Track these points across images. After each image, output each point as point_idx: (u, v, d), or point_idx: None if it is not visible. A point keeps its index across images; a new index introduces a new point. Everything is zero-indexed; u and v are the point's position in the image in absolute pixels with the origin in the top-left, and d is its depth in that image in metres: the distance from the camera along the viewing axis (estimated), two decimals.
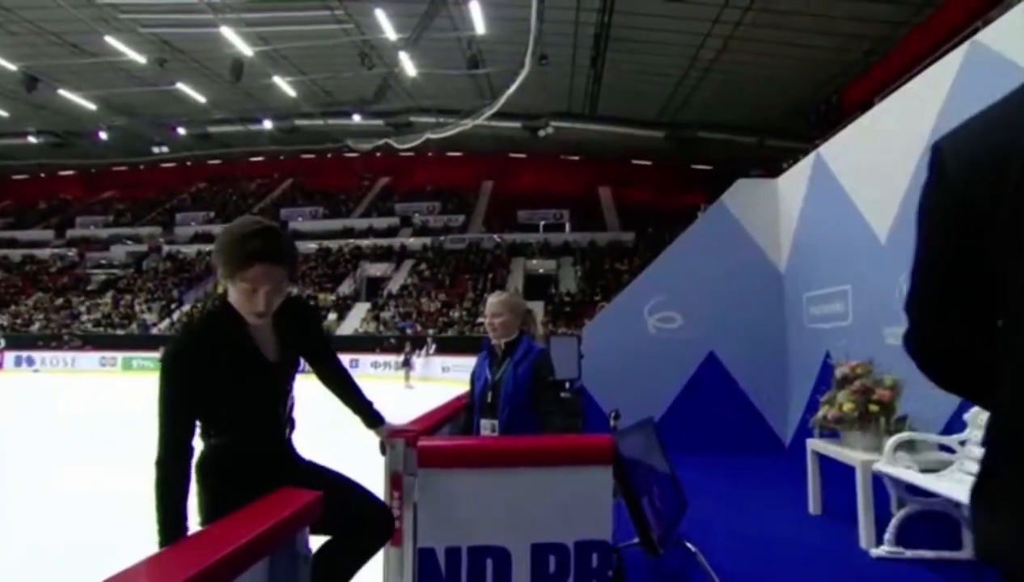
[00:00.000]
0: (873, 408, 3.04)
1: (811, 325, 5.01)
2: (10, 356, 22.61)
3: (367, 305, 23.91)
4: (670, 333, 5.46)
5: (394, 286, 24.99)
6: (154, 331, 24.31)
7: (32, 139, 26.99)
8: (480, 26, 16.26)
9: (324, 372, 1.67)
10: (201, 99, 22.47)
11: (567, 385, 2.41)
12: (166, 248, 30.33)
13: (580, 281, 24.40)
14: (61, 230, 32.37)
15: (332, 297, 24.54)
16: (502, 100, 19.14)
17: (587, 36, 17.00)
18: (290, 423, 1.52)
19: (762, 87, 18.07)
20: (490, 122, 21.74)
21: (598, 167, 29.24)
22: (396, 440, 1.68)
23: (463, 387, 2.80)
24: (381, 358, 19.56)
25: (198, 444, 1.36)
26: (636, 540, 2.07)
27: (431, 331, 21.16)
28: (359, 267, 26.44)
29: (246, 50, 17.95)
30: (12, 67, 19.11)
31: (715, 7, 14.48)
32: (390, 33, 16.84)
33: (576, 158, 29.29)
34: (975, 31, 3.18)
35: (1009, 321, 0.61)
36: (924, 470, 2.73)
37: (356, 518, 1.46)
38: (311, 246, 28.72)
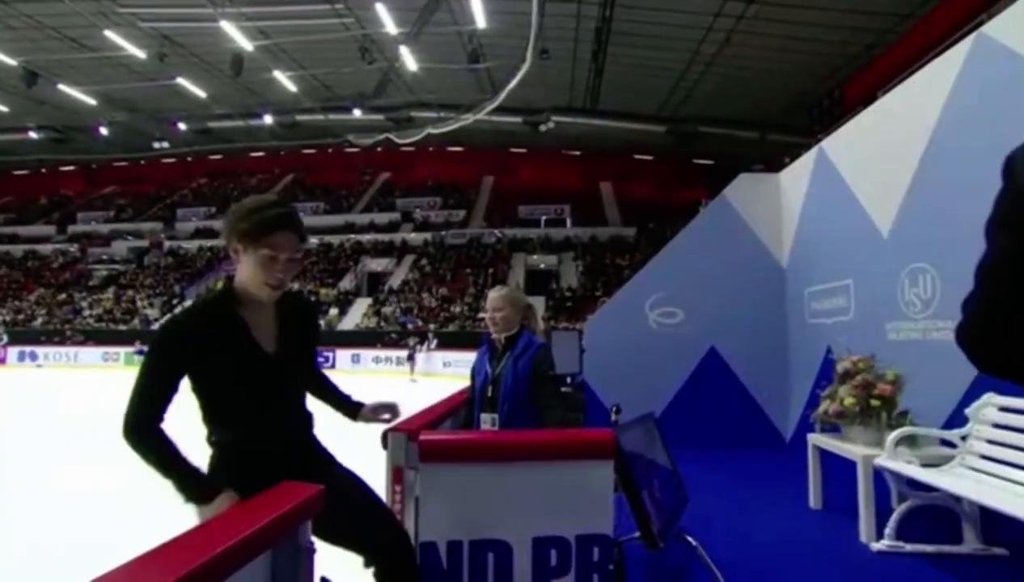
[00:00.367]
0: (874, 403, 3.04)
1: (812, 320, 5.00)
2: (13, 351, 22.69)
3: (368, 300, 23.93)
4: (671, 328, 5.46)
5: (395, 281, 24.99)
6: (156, 327, 24.38)
7: (33, 134, 26.98)
8: (481, 20, 16.17)
9: (311, 380, 1.62)
10: (201, 94, 22.42)
11: (568, 380, 2.41)
12: (167, 244, 30.35)
13: (581, 276, 24.38)
14: (62, 226, 32.40)
15: (333, 292, 24.57)
16: (503, 94, 19.07)
17: (588, 30, 16.91)
18: (303, 421, 1.45)
19: (764, 81, 17.98)
20: (491, 117, 21.67)
21: (599, 162, 29.15)
22: (383, 413, 1.65)
23: (464, 382, 2.80)
24: (383, 353, 19.61)
25: (205, 450, 1.33)
26: (637, 534, 2.08)
27: (432, 326, 21.18)
28: (360, 262, 26.45)
29: (246, 44, 17.88)
30: (12, 62, 19.07)
31: (717, 1, 14.40)
32: (390, 27, 16.76)
33: (577, 153, 29.20)
34: (980, 23, 3.15)
35: None
36: (925, 465, 2.73)
37: (372, 546, 1.38)
38: (312, 241, 28.70)
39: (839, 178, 4.59)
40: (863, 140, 4.39)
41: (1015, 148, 0.74)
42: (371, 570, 1.37)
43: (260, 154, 32.37)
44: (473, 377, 2.60)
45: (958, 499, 2.67)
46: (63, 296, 26.70)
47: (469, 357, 2.83)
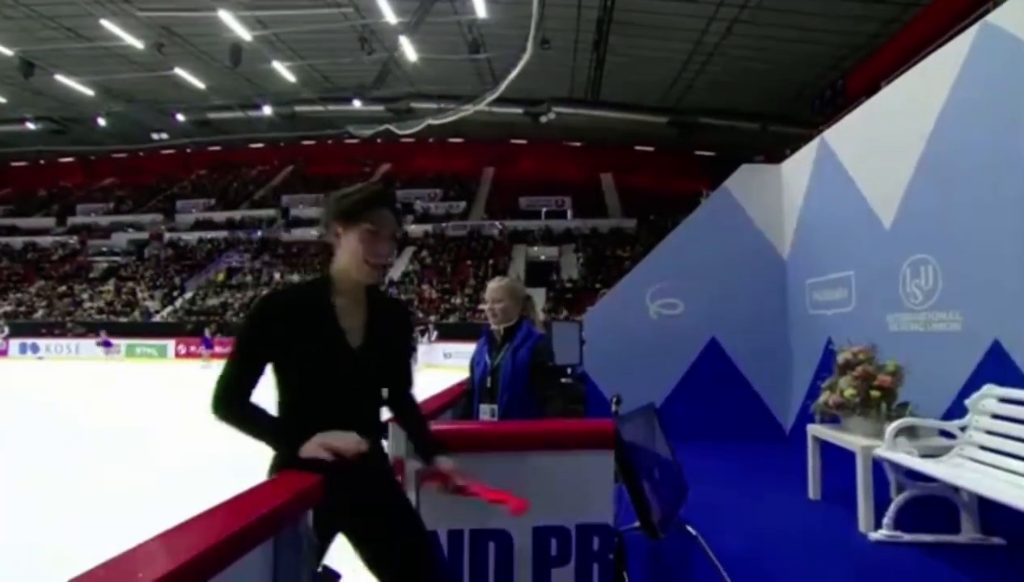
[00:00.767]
0: (874, 394, 3.04)
1: (813, 311, 5.00)
2: (15, 343, 22.76)
3: None
4: (672, 319, 5.46)
5: (396, 273, 25.00)
6: (157, 318, 24.42)
7: (30, 125, 26.88)
8: (481, 10, 16.04)
9: (395, 390, 1.52)
10: (200, 85, 22.30)
11: (569, 371, 2.42)
12: (167, 235, 30.33)
13: (582, 268, 24.37)
14: (62, 218, 32.38)
15: None
16: (503, 85, 18.95)
17: (589, 20, 16.76)
18: (375, 426, 1.41)
19: (766, 72, 17.86)
20: (491, 108, 21.55)
21: (600, 153, 29.04)
22: (438, 479, 1.50)
23: (464, 373, 2.80)
24: None
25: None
26: (637, 524, 2.09)
27: (432, 318, 21.21)
28: None
29: (244, 34, 17.75)
30: (8, 52, 18.96)
31: None
32: (390, 17, 16.63)
33: (578, 144, 29.07)
34: (986, 11, 3.11)
35: None
36: (924, 455, 2.74)
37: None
38: (312, 233, 28.68)
39: (841, 169, 4.56)
40: (865, 130, 4.36)
41: None
42: None
43: (260, 145, 32.25)
44: (472, 368, 2.61)
45: (956, 489, 2.68)
46: (64, 288, 26.73)
47: (470, 348, 2.83)
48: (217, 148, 32.55)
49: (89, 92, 22.52)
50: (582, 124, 24.83)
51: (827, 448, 3.41)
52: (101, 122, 25.58)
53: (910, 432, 2.86)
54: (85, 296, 26.16)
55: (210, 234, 29.99)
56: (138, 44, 18.33)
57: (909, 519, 2.78)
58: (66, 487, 4.85)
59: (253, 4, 16.82)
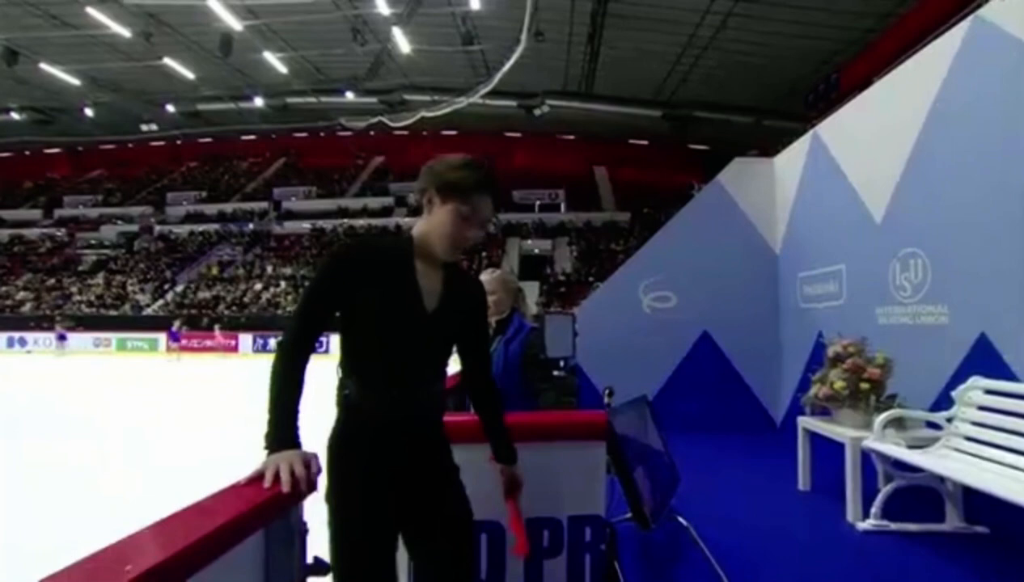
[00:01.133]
0: (864, 386, 3.08)
1: (804, 305, 5.04)
2: (2, 337, 22.50)
3: None
4: (665, 313, 5.48)
5: None
6: (148, 312, 24.21)
7: (15, 115, 26.43)
8: (475, 1, 15.92)
9: (471, 373, 1.49)
10: (189, 75, 21.99)
11: (562, 363, 2.42)
12: (158, 228, 30.02)
13: (575, 261, 24.40)
14: (49, 210, 31.93)
15: None
16: (497, 77, 18.85)
17: (583, 12, 16.68)
18: (437, 398, 1.37)
19: (760, 66, 17.86)
20: (485, 100, 21.43)
21: (594, 147, 28.99)
22: (508, 490, 1.49)
23: (457, 366, 2.80)
24: None
25: (330, 410, 1.29)
26: (629, 515, 2.10)
27: None
28: None
29: (235, 24, 17.51)
30: None
31: None
32: (383, 8, 16.46)
33: (572, 137, 29.01)
34: (978, 6, 3.12)
35: None
36: (912, 446, 2.78)
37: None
38: (304, 226, 28.50)
39: (833, 163, 4.59)
40: (858, 125, 4.38)
41: None
42: None
43: (251, 137, 31.91)
44: None
45: (942, 479, 2.73)
46: (52, 281, 26.42)
47: None
48: (208, 140, 32.18)
49: (75, 81, 22.14)
50: (576, 117, 24.76)
51: (817, 440, 3.45)
52: (88, 112, 25.18)
53: (898, 423, 2.90)
54: (74, 289, 25.87)
55: (201, 227, 29.71)
56: (125, 32, 18.03)
57: (896, 509, 2.82)
58: (51, 483, 4.81)
59: None
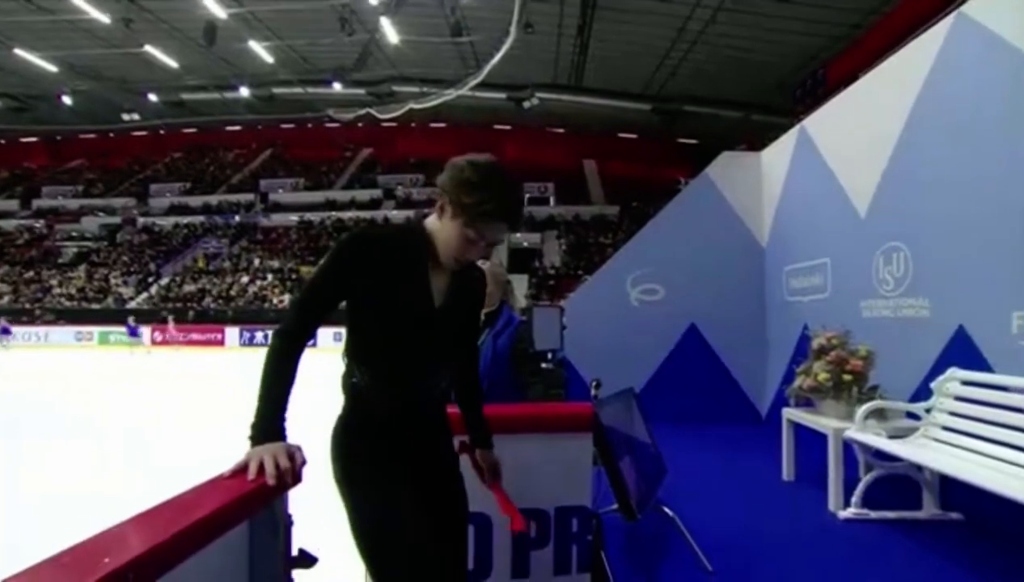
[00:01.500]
0: (846, 378, 3.13)
1: (790, 298, 5.10)
2: None
3: None
4: (652, 305, 5.52)
5: None
6: (131, 305, 23.84)
7: None
8: None
9: (461, 364, 1.48)
10: (172, 64, 21.54)
11: (550, 356, 2.43)
12: (141, 220, 29.49)
13: (564, 255, 24.44)
14: (26, 200, 31.20)
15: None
16: (487, 69, 18.73)
17: (573, 5, 16.60)
18: (441, 392, 1.37)
19: (749, 61, 17.93)
20: (474, 92, 21.30)
21: (583, 140, 28.98)
22: (484, 474, 1.49)
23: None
24: None
25: (338, 399, 1.28)
26: (615, 506, 2.12)
27: None
28: None
29: (219, 12, 17.16)
30: None
31: None
32: None
33: (561, 130, 28.96)
34: (962, 2, 3.16)
35: None
36: (892, 436, 2.83)
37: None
38: (292, 218, 28.19)
39: (819, 157, 4.63)
40: (843, 120, 4.43)
41: None
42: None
43: (237, 128, 31.41)
44: None
45: (920, 468, 2.79)
46: (31, 274, 25.88)
47: None
48: (192, 130, 31.61)
49: (52, 68, 21.55)
50: (565, 110, 24.71)
51: (801, 431, 3.51)
52: (66, 100, 24.54)
53: (879, 414, 2.95)
54: (54, 282, 25.37)
55: (186, 219, 29.26)
56: (104, 18, 17.57)
57: (876, 497, 2.88)
58: (33, 479, 4.73)
59: None
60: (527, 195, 28.15)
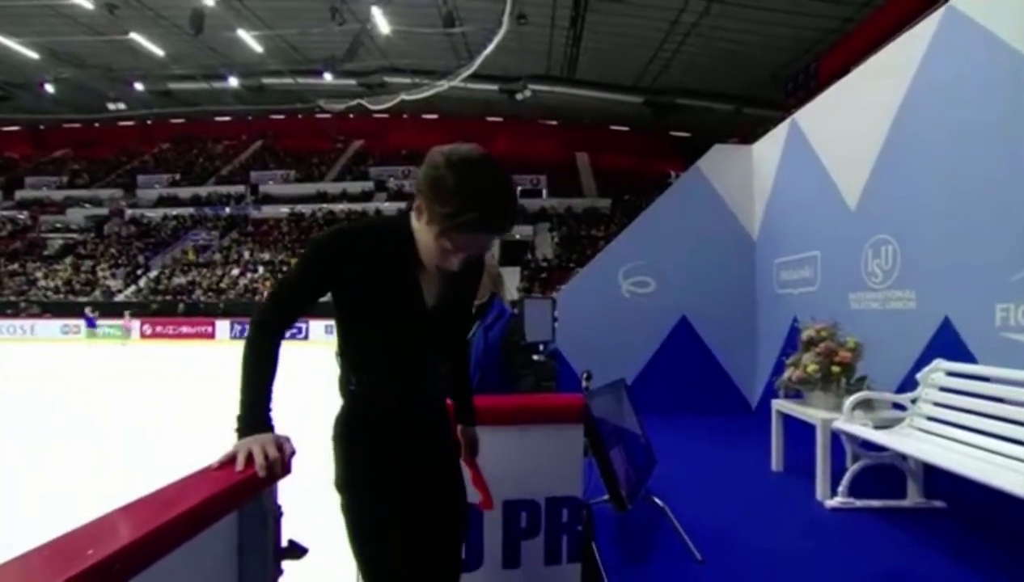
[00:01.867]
0: (835, 369, 3.16)
1: (781, 290, 5.14)
2: None
3: None
4: (644, 298, 5.54)
5: None
6: (120, 298, 23.57)
7: None
8: None
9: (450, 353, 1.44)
10: (159, 52, 21.16)
11: (541, 348, 2.43)
12: (129, 212, 29.08)
13: (556, 247, 24.44)
14: (9, 191, 30.63)
15: None
16: (479, 60, 18.59)
17: None
18: (438, 387, 1.35)
19: (742, 54, 17.94)
20: (466, 84, 21.14)
21: (576, 132, 28.92)
22: (466, 453, 1.49)
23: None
24: None
25: (330, 410, 1.26)
26: (606, 496, 2.14)
27: None
28: None
29: None
30: None
31: None
32: None
33: (554, 123, 28.87)
34: None
35: None
36: (878, 427, 2.87)
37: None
38: (283, 210, 27.94)
39: (810, 150, 4.65)
40: (834, 113, 4.45)
41: None
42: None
43: (226, 119, 30.97)
44: None
45: (905, 457, 2.83)
46: (15, 266, 25.48)
47: None
48: (180, 121, 31.13)
49: (33, 55, 21.08)
50: (558, 102, 24.61)
51: (790, 422, 3.55)
52: (49, 88, 24.01)
53: (866, 405, 2.99)
54: (40, 274, 25.00)
55: (175, 211, 28.91)
56: (87, 4, 17.19)
57: (862, 486, 2.93)
58: (20, 474, 4.68)
59: None
60: (519, 188, 28.27)
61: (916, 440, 2.74)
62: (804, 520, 2.85)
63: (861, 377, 3.20)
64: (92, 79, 23.82)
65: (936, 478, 2.85)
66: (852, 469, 2.93)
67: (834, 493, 2.96)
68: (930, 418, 2.80)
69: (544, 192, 28.31)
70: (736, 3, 15.31)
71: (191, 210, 28.77)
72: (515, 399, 2.18)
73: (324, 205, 27.71)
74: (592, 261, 6.15)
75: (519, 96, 22.87)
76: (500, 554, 1.80)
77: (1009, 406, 2.43)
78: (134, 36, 19.71)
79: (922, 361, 3.06)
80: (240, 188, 29.71)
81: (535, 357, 2.45)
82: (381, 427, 1.24)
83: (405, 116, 27.44)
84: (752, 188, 5.64)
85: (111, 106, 26.96)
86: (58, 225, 28.55)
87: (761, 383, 5.21)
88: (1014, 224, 2.70)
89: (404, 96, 22.27)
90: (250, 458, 1.04)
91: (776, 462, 3.64)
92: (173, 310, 22.19)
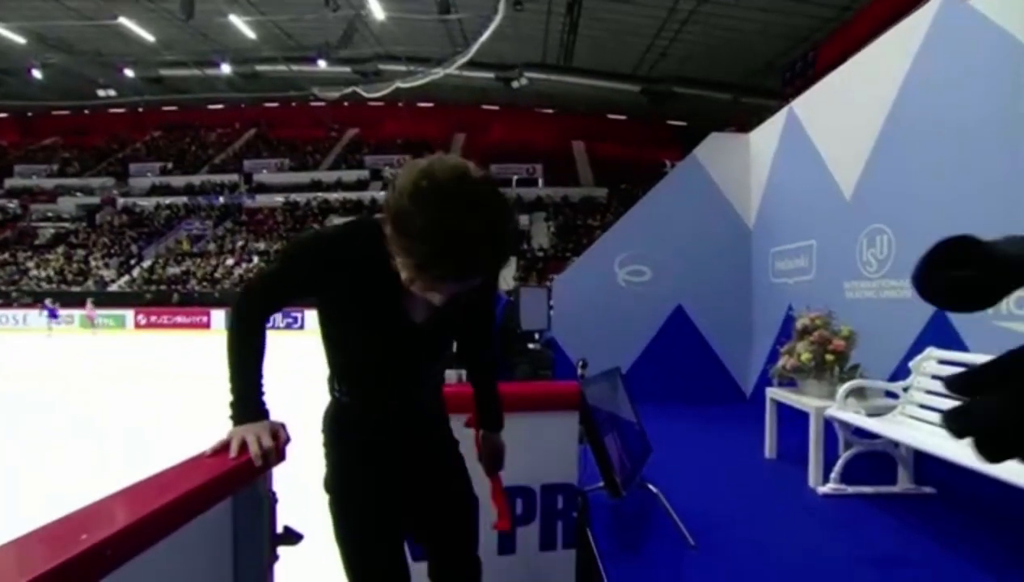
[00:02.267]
0: (829, 358, 3.18)
1: (776, 279, 5.15)
2: None
3: None
4: (640, 286, 5.55)
5: None
6: (113, 288, 23.42)
7: None
8: None
9: (471, 357, 1.38)
10: (149, 37, 20.82)
11: (537, 336, 2.43)
12: (121, 201, 28.80)
13: (552, 236, 24.41)
14: None
15: None
16: (475, 47, 18.41)
17: None
18: (435, 389, 1.31)
19: (739, 42, 17.82)
20: (462, 71, 20.95)
21: (572, 121, 28.74)
22: (485, 461, 1.42)
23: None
24: None
25: (324, 399, 1.24)
26: (601, 483, 2.15)
27: None
28: (327, 221, 25.76)
29: None
30: None
31: None
32: None
33: (550, 111, 28.68)
34: None
35: None
36: (871, 414, 2.90)
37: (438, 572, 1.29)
38: (277, 199, 27.74)
39: (807, 139, 4.64)
40: (831, 102, 4.43)
41: None
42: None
43: (219, 106, 30.61)
44: None
45: (896, 444, 2.86)
46: (5, 255, 25.25)
47: None
48: (172, 108, 30.74)
49: (20, 40, 20.71)
50: (554, 91, 24.43)
51: (784, 410, 3.58)
52: (37, 74, 23.60)
53: (859, 393, 3.02)
54: (31, 264, 24.79)
55: (168, 200, 28.65)
56: None
57: (854, 473, 2.96)
58: (20, 473, 4.67)
59: None
60: (515, 177, 28.15)
61: (908, 427, 2.77)
62: (797, 506, 2.88)
63: (854, 365, 3.23)
64: (81, 65, 23.43)
65: (926, 465, 2.88)
66: (844, 456, 2.96)
67: (826, 480, 2.99)
68: (922, 406, 2.83)
69: (540, 181, 28.20)
70: None
71: (184, 199, 28.52)
72: (511, 386, 2.19)
73: (319, 194, 27.52)
74: (588, 250, 6.14)
75: (515, 84, 22.68)
76: (496, 541, 1.81)
77: None
78: (123, 21, 19.37)
79: (915, 350, 3.08)
80: (234, 177, 29.44)
81: (531, 346, 2.45)
82: (364, 435, 1.22)
83: (400, 104, 27.18)
84: (749, 177, 5.63)
85: (101, 92, 26.56)
86: (49, 214, 28.25)
87: (756, 371, 5.24)
88: (1008, 213, 2.71)
89: (399, 84, 22.05)
90: (244, 445, 1.04)
91: (769, 449, 3.67)
92: (168, 300, 22.07)
